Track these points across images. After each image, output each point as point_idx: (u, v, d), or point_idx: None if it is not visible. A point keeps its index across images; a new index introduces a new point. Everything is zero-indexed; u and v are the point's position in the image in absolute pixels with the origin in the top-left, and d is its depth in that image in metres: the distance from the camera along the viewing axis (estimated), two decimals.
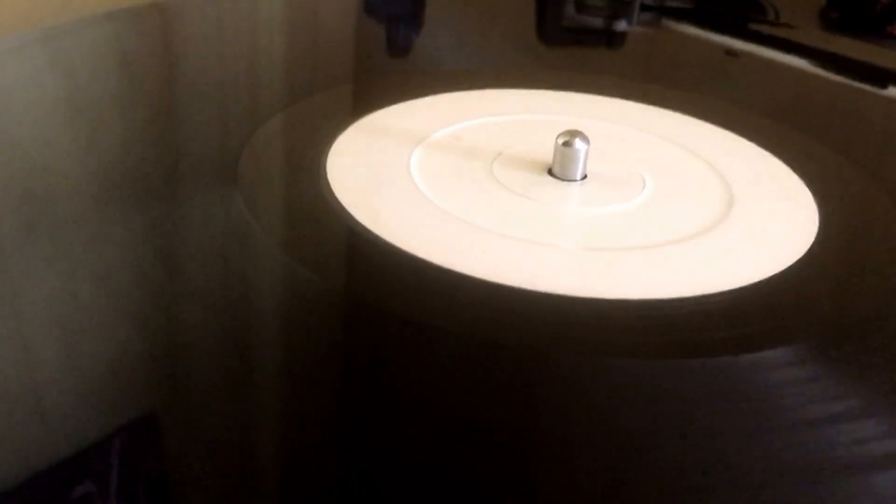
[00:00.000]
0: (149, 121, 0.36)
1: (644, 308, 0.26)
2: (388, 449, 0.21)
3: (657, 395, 0.23)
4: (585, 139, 0.32)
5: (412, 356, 0.24)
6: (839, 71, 0.47)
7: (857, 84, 0.45)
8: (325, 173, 0.32)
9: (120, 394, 0.21)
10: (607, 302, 0.26)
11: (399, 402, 0.22)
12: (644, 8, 0.52)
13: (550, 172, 0.32)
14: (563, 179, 0.32)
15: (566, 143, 0.32)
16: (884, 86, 0.45)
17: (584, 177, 0.32)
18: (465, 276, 0.26)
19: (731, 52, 0.49)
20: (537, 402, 0.23)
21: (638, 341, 0.25)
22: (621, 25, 0.51)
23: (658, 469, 0.20)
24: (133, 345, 0.23)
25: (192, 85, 0.39)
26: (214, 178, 0.32)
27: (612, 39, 0.51)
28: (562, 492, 0.20)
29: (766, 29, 0.53)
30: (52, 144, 0.33)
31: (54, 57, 0.40)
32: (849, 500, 0.20)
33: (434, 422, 0.21)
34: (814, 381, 0.24)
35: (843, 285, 0.29)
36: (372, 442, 0.21)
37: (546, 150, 0.33)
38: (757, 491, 0.20)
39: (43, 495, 0.18)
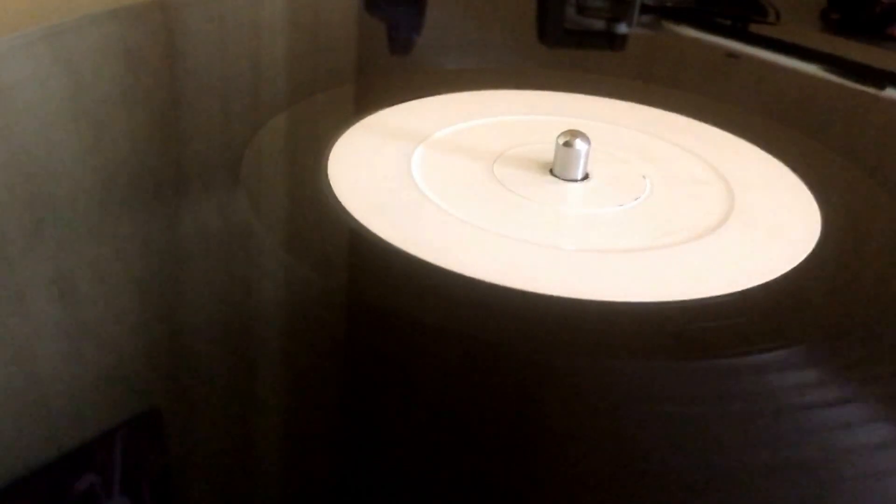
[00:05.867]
0: (152, 119, 0.36)
1: (645, 310, 0.26)
2: (389, 448, 0.21)
3: (658, 396, 0.23)
4: (586, 139, 0.32)
5: (412, 356, 0.24)
6: (839, 73, 0.47)
7: (856, 86, 0.45)
8: (327, 173, 0.32)
9: (124, 388, 0.21)
10: (607, 304, 0.26)
11: (400, 401, 0.22)
12: (644, 10, 0.53)
13: (551, 172, 0.33)
14: (563, 179, 0.32)
15: (567, 144, 0.32)
16: (882, 87, 0.45)
17: (585, 177, 0.32)
18: (466, 277, 0.26)
19: (731, 55, 0.49)
20: (538, 403, 0.23)
21: (638, 343, 0.25)
22: (621, 28, 0.51)
23: (659, 470, 0.20)
24: (137, 339, 0.23)
25: (195, 84, 0.39)
26: (217, 177, 0.32)
27: (612, 41, 0.51)
28: (563, 492, 0.20)
29: (766, 30, 0.53)
30: (56, 142, 0.33)
31: (58, 55, 0.40)
32: (852, 502, 0.20)
33: (434, 422, 0.22)
34: (816, 384, 0.24)
35: (845, 287, 0.29)
36: (373, 440, 0.21)
37: (547, 150, 0.33)
38: (759, 493, 0.20)
39: (47, 487, 0.18)
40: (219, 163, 0.32)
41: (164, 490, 0.19)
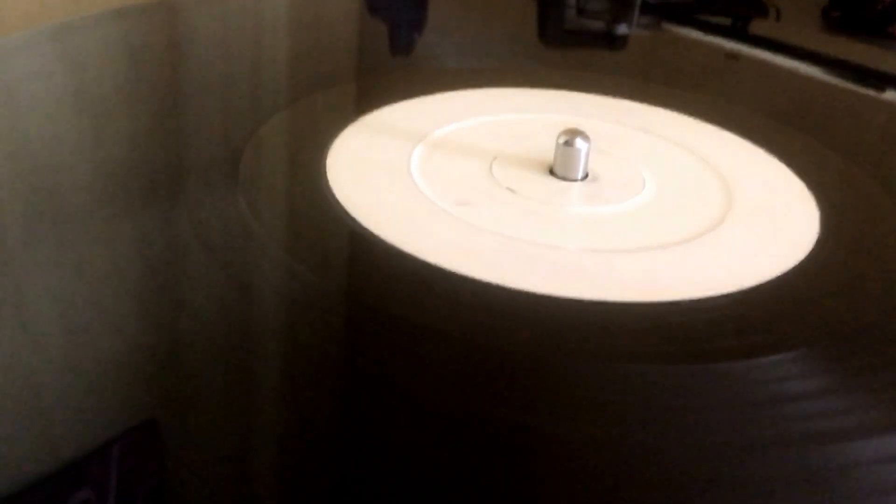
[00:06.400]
0: (154, 117, 0.36)
1: (644, 311, 0.26)
2: (389, 451, 0.21)
3: (655, 398, 0.23)
4: (586, 138, 0.32)
5: (411, 356, 0.24)
6: (839, 74, 0.46)
7: (856, 86, 0.45)
8: (326, 171, 0.32)
9: (120, 400, 0.21)
10: (607, 304, 0.26)
11: (399, 404, 0.22)
12: (645, 10, 0.52)
13: (551, 172, 0.32)
14: (563, 179, 0.32)
15: (567, 143, 0.32)
16: (882, 88, 0.45)
17: (585, 176, 0.32)
18: (465, 277, 0.26)
19: (731, 56, 0.49)
20: (536, 404, 0.23)
21: (637, 345, 0.25)
22: (621, 28, 0.51)
23: (660, 472, 0.20)
24: (133, 350, 0.23)
25: (197, 82, 0.39)
26: (217, 175, 0.32)
27: (612, 42, 0.51)
28: (564, 495, 0.20)
29: (766, 30, 0.52)
30: (59, 140, 0.33)
31: (62, 53, 0.40)
32: (852, 500, 0.20)
33: (434, 423, 0.22)
34: (815, 384, 0.24)
35: (844, 288, 0.28)
36: (372, 444, 0.21)
37: (547, 149, 0.33)
38: (760, 494, 0.20)
39: (42, 502, 0.18)
40: (218, 161, 0.32)
41: (159, 503, 0.19)
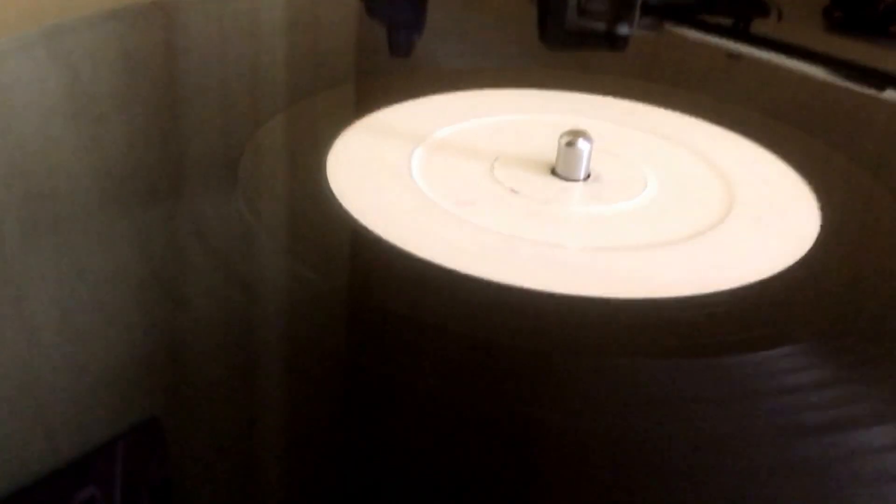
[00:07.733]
0: (151, 120, 0.36)
1: (646, 308, 0.26)
2: (391, 450, 0.20)
3: (658, 394, 0.23)
4: (588, 139, 0.32)
5: (413, 356, 0.24)
6: (840, 73, 0.47)
7: (857, 86, 0.45)
8: (326, 173, 0.32)
9: (123, 397, 0.21)
10: (610, 302, 0.26)
11: (401, 403, 0.22)
12: (646, 10, 0.52)
13: (553, 172, 0.32)
14: (565, 179, 0.32)
15: (569, 143, 0.32)
16: (882, 88, 0.45)
17: (587, 176, 0.32)
18: (467, 276, 0.26)
19: (732, 55, 0.49)
20: (539, 402, 0.22)
21: (640, 341, 0.25)
22: (623, 29, 0.51)
23: (661, 469, 0.20)
24: (136, 348, 0.23)
25: (194, 84, 0.39)
26: (216, 177, 0.32)
27: (614, 42, 0.51)
28: (565, 492, 0.20)
29: (768, 30, 0.53)
30: (55, 143, 0.33)
31: (57, 55, 0.40)
32: (851, 500, 0.20)
33: (436, 422, 0.21)
34: (816, 381, 0.24)
35: (845, 284, 0.29)
36: (375, 443, 0.21)
37: (549, 149, 0.33)
38: (760, 491, 0.20)
39: (46, 500, 0.18)
40: (218, 163, 0.32)
41: (164, 502, 0.19)
